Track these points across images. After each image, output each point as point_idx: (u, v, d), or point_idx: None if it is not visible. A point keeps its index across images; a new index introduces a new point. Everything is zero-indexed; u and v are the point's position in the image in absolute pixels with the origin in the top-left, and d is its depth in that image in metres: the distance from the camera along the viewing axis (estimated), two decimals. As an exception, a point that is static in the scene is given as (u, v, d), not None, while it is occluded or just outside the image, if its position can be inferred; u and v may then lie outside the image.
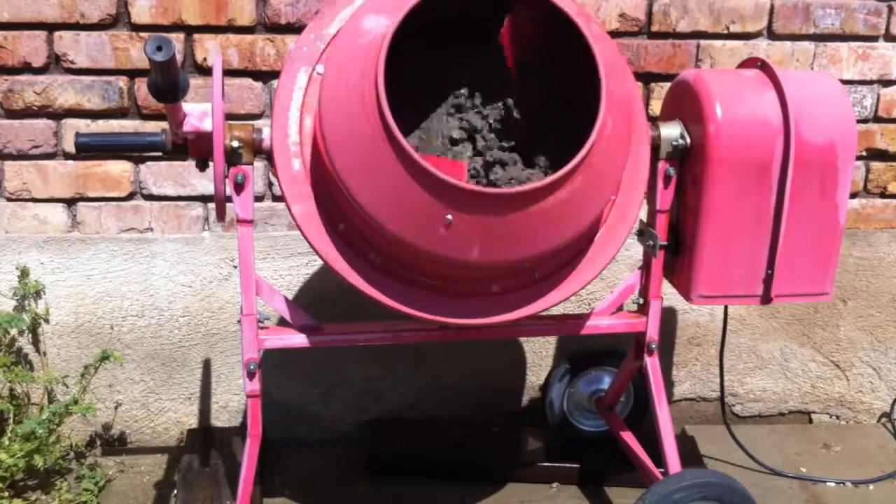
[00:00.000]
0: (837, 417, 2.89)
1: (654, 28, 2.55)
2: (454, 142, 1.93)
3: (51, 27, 2.37)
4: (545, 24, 1.81)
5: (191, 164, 1.97)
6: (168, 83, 1.65)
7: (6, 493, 2.32)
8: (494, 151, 1.88)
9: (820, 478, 2.57)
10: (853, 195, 2.72)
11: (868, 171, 2.73)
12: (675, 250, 2.11)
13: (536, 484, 2.50)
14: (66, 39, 2.38)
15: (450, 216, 1.64)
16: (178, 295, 2.55)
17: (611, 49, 1.83)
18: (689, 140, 2.01)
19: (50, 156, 2.46)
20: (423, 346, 2.59)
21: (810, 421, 2.89)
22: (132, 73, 2.42)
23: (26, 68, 2.39)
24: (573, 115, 1.84)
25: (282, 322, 2.07)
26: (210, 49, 2.42)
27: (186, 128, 1.81)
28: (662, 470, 2.18)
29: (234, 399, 2.66)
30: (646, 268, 2.15)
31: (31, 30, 2.37)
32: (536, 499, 2.45)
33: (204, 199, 2.53)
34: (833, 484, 2.56)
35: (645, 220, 2.19)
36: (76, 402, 2.40)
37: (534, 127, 1.94)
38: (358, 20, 1.78)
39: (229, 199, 1.87)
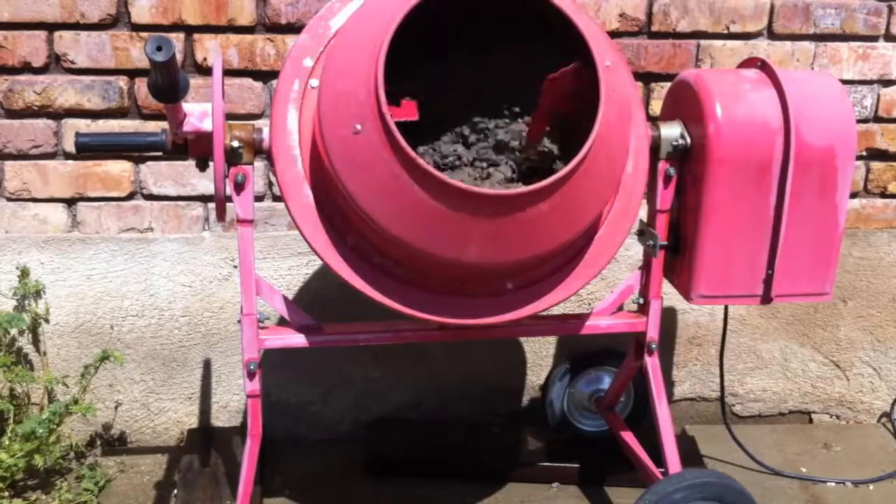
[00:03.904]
0: (837, 417, 2.89)
1: (654, 28, 2.55)
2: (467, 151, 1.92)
3: (51, 27, 2.37)
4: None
5: (191, 163, 1.97)
6: (168, 83, 1.64)
7: (6, 493, 2.32)
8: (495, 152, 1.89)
9: (820, 478, 2.57)
10: (853, 195, 2.72)
11: (868, 171, 2.73)
12: (675, 250, 2.11)
13: (536, 484, 2.50)
14: (66, 39, 2.38)
15: (359, 126, 1.61)
16: (178, 295, 2.55)
17: (610, 48, 1.83)
18: (689, 140, 2.01)
19: (50, 156, 2.46)
20: (423, 346, 2.59)
21: (810, 421, 2.89)
22: (132, 73, 2.42)
23: (26, 68, 2.39)
24: (572, 117, 1.84)
25: (282, 322, 2.07)
26: (210, 49, 2.42)
27: (186, 128, 1.81)
28: (662, 470, 2.18)
29: (234, 399, 2.66)
30: (646, 268, 2.15)
31: (31, 30, 2.37)
32: (536, 499, 2.45)
33: (204, 198, 2.53)
34: (833, 484, 2.56)
35: (645, 220, 2.19)
36: (76, 402, 2.41)
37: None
38: (359, 19, 1.78)
39: (229, 199, 1.87)
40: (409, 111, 1.81)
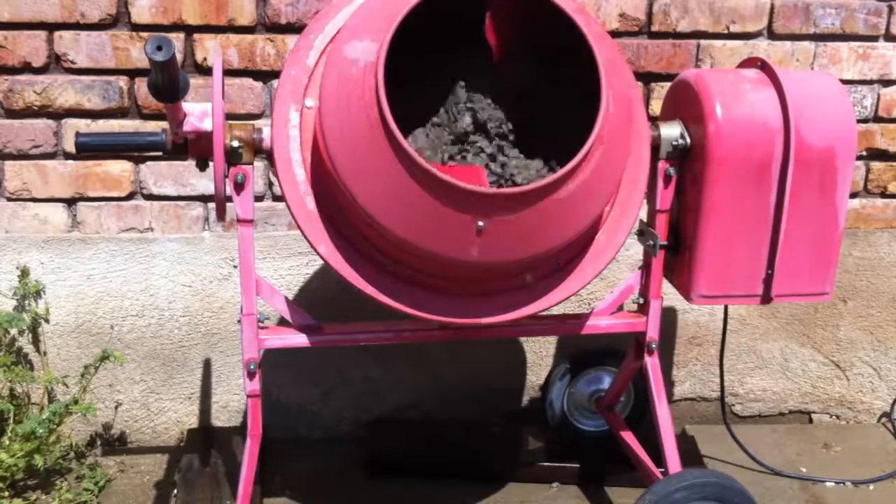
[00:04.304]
0: (837, 417, 2.89)
1: (654, 28, 2.55)
2: (461, 139, 1.93)
3: (51, 27, 2.37)
4: (530, 15, 1.82)
5: (191, 163, 1.97)
6: (168, 83, 1.65)
7: (6, 493, 2.32)
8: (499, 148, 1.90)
9: (820, 478, 2.57)
10: (853, 195, 2.72)
11: (868, 170, 2.73)
12: (675, 250, 2.11)
13: (536, 484, 2.50)
14: (66, 39, 2.38)
15: (482, 223, 1.64)
16: (178, 295, 2.55)
17: (611, 48, 1.83)
18: (689, 140, 2.01)
19: (50, 156, 2.46)
20: (423, 345, 2.59)
21: (810, 421, 2.89)
22: (132, 73, 2.42)
23: (26, 68, 2.39)
24: (573, 116, 1.85)
25: (282, 322, 2.07)
26: (210, 49, 2.42)
27: (186, 127, 1.81)
28: (662, 470, 2.18)
29: (234, 399, 2.66)
30: (646, 268, 2.15)
31: (32, 30, 2.37)
32: (536, 499, 2.45)
33: (204, 198, 2.53)
34: (833, 484, 2.56)
35: (645, 219, 2.19)
36: (76, 402, 2.41)
37: (534, 127, 1.94)
38: (359, 19, 1.78)
39: (229, 199, 1.87)
40: (479, 178, 1.84)
